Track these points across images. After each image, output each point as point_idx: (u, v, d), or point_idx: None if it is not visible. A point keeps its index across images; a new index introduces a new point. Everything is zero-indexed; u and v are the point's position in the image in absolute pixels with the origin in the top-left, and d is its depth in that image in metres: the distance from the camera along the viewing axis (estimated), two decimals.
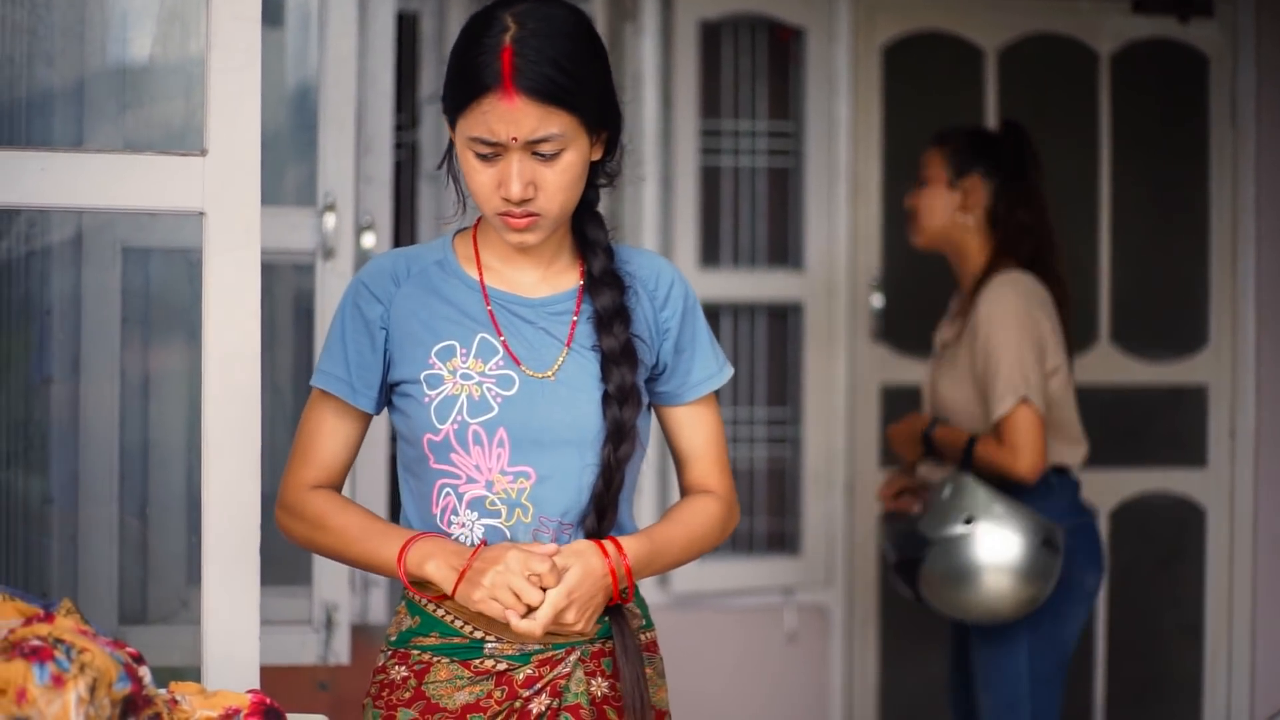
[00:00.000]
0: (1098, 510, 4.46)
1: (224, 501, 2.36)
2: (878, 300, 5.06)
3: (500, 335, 2.35)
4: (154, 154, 2.41)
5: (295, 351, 4.33)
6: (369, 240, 4.17)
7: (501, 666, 2.35)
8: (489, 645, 2.35)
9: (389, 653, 2.42)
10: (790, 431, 5.09)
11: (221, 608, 2.38)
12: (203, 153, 2.39)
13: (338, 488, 2.43)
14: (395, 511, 2.52)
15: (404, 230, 4.98)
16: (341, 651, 4.03)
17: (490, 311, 2.37)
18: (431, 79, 4.99)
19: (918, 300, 5.09)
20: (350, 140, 4.04)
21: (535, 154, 2.25)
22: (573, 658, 2.36)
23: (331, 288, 4.00)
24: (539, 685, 2.34)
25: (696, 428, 2.49)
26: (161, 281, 3.84)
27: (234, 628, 2.38)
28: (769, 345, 5.10)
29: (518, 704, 2.34)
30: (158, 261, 3.82)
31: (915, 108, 5.07)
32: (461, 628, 2.35)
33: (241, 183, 2.38)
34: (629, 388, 2.35)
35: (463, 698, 2.34)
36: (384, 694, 2.40)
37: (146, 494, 3.88)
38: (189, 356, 3.84)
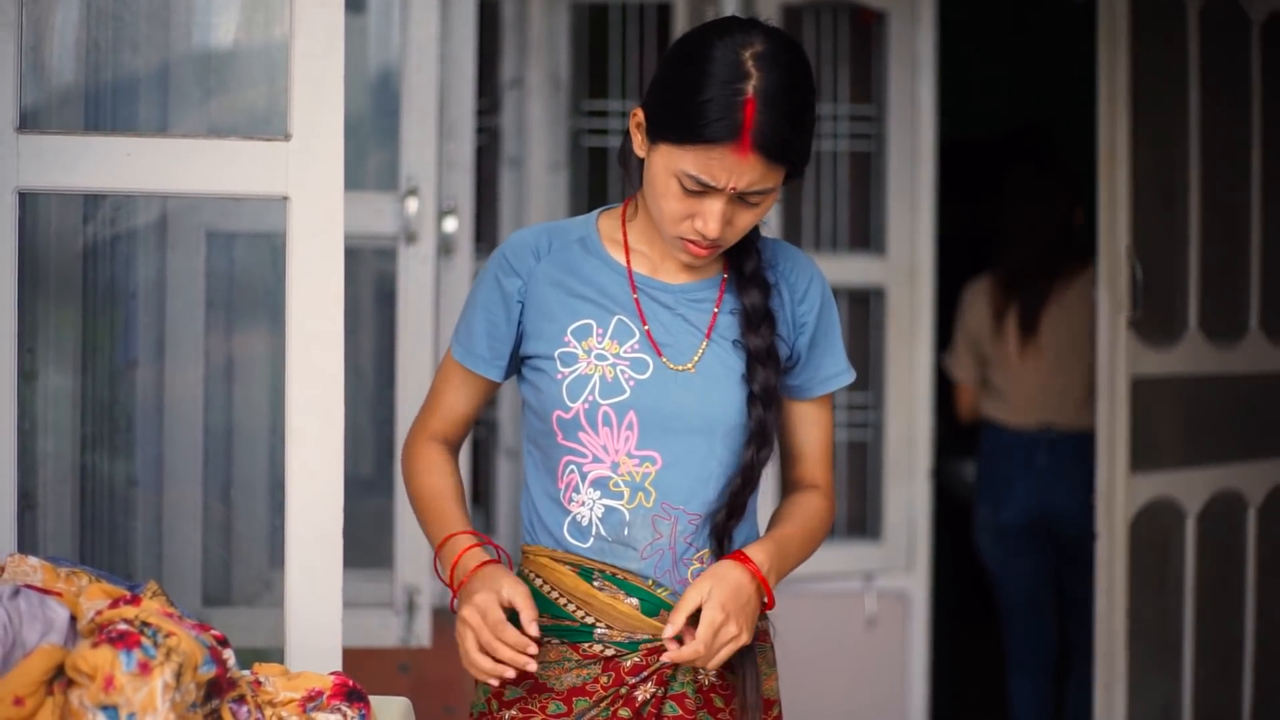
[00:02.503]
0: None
1: (307, 484, 2.38)
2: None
3: (645, 324, 2.36)
4: (238, 139, 2.42)
5: (377, 335, 4.35)
6: (450, 225, 4.18)
7: (609, 652, 2.36)
8: (598, 630, 2.36)
9: None
10: (871, 416, 5.07)
11: (304, 590, 2.40)
12: (286, 137, 2.40)
13: (458, 439, 2.51)
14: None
15: (485, 215, 4.99)
16: (423, 634, 4.05)
17: (636, 300, 2.38)
18: (513, 64, 4.99)
19: None
20: (432, 125, 4.05)
21: (740, 199, 2.25)
22: None
23: (413, 272, 4.02)
24: (646, 673, 2.35)
25: (814, 424, 2.50)
26: (245, 265, 3.86)
27: (317, 610, 2.39)
28: (850, 329, 5.08)
29: (624, 690, 2.35)
30: (242, 245, 3.85)
31: None
32: (574, 612, 2.37)
33: (325, 167, 2.39)
34: (773, 389, 2.36)
35: (570, 680, 2.36)
36: None
37: (230, 476, 3.90)
38: (272, 340, 3.86)
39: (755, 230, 2.39)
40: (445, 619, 4.37)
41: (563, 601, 2.37)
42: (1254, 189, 4.55)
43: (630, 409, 2.33)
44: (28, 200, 2.44)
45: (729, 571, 2.30)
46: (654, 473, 2.34)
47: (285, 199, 2.39)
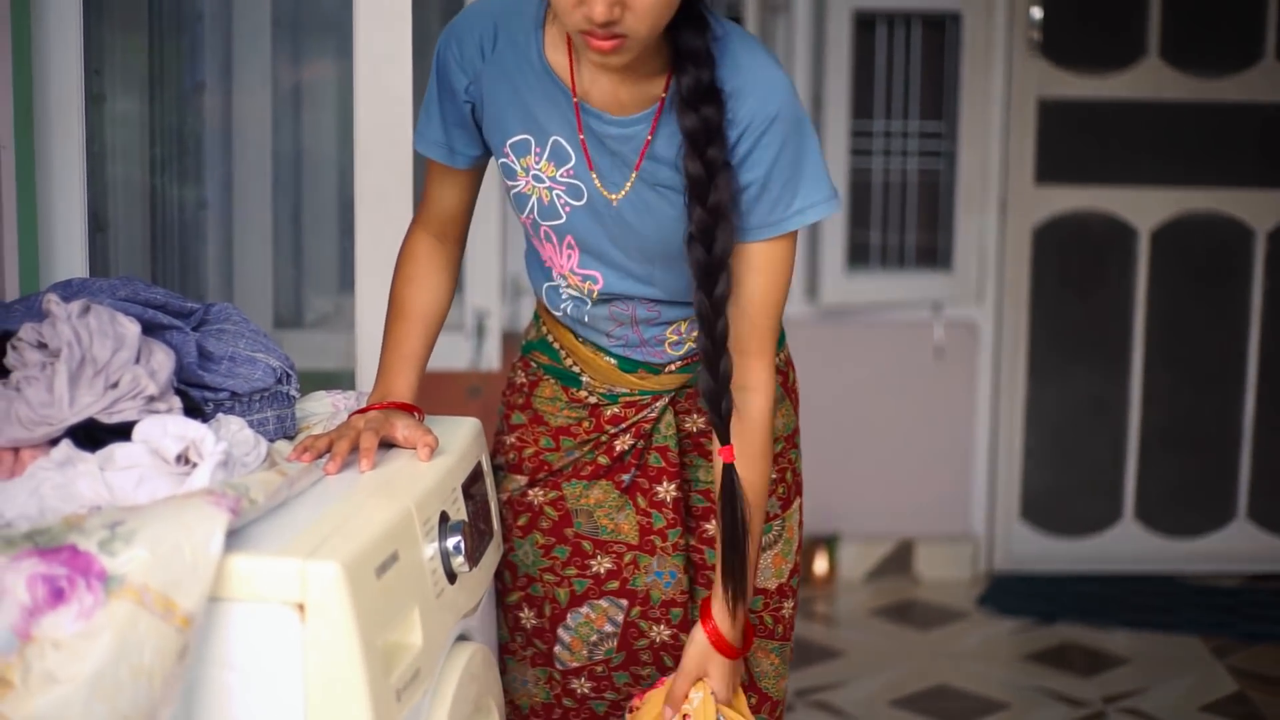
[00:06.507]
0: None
1: (376, 206, 2.37)
2: (1037, 11, 4.93)
3: (586, 151, 2.15)
4: None
5: None
6: None
7: (593, 400, 2.36)
8: (585, 379, 2.36)
9: (519, 356, 2.46)
10: (944, 145, 5.02)
11: (375, 313, 2.41)
12: None
13: (456, 231, 2.32)
14: None
15: None
16: (492, 357, 4.08)
17: (579, 123, 2.14)
18: None
19: (1079, 12, 4.95)
20: None
21: None
22: (659, 404, 2.35)
23: None
24: (624, 425, 2.35)
25: (748, 273, 2.16)
26: None
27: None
28: (924, 57, 5.00)
29: (604, 438, 2.36)
30: None
31: None
32: (565, 359, 2.37)
33: None
34: (711, 226, 2.06)
35: (559, 419, 2.38)
36: (508, 393, 2.45)
37: (300, 200, 3.91)
38: (340, 63, 3.84)
39: (702, 39, 2.05)
40: (513, 343, 4.40)
41: (556, 346, 2.37)
42: None
43: (568, 233, 2.20)
44: None
45: (708, 661, 2.23)
46: (597, 290, 2.26)
47: None
